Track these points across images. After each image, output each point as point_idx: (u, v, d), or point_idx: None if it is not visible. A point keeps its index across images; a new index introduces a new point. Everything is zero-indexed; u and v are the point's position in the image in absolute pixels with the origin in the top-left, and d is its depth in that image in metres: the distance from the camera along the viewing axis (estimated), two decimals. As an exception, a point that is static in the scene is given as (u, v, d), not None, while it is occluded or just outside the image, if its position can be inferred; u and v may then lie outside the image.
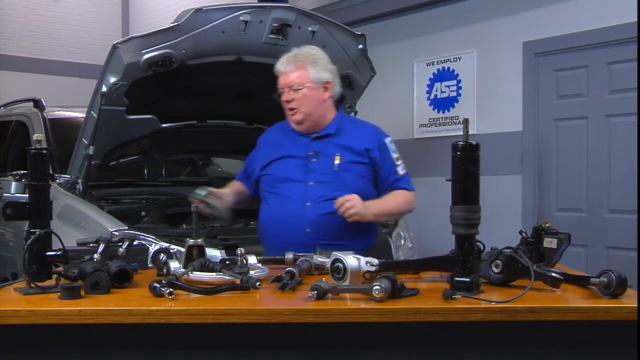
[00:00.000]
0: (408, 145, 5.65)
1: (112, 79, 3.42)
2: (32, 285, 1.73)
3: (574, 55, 4.57)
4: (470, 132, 1.72)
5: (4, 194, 4.44)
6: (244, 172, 2.81)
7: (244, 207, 2.90)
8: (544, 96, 4.78)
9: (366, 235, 2.59)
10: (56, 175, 3.85)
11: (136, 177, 4.59)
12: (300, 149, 2.57)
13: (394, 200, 2.60)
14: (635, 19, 3.86)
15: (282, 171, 2.56)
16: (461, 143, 1.71)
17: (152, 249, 2.21)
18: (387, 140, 2.67)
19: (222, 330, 1.56)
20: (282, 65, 2.57)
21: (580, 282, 1.77)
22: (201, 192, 2.55)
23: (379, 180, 2.61)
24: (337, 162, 2.53)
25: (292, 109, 2.55)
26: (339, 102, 4.33)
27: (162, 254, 2.04)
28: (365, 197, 2.48)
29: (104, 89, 3.44)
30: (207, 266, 1.87)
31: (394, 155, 2.64)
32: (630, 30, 4.06)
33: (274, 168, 2.58)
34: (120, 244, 2.09)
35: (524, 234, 2.02)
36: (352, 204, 2.38)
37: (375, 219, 2.55)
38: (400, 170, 2.64)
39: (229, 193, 2.67)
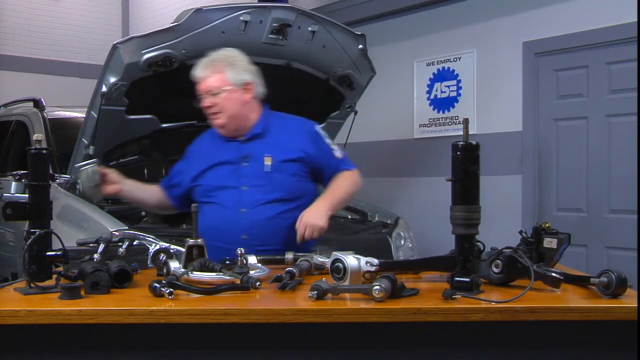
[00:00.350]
0: (408, 145, 5.66)
1: (112, 79, 3.42)
2: (32, 285, 1.73)
3: (574, 55, 4.57)
4: (470, 132, 1.72)
5: (4, 194, 4.44)
6: (167, 181, 2.74)
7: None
8: (544, 96, 4.78)
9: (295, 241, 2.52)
10: (56, 175, 3.85)
11: (136, 177, 4.58)
12: (231, 154, 2.53)
13: (341, 185, 2.57)
14: (635, 19, 3.86)
15: (214, 179, 2.51)
16: (461, 143, 1.71)
17: (152, 249, 2.21)
18: (317, 128, 2.65)
19: (222, 330, 1.56)
20: (199, 71, 2.52)
21: (580, 282, 1.77)
22: (89, 168, 2.53)
23: (320, 170, 2.58)
24: (268, 163, 2.49)
25: (213, 114, 2.51)
26: (339, 102, 4.37)
27: (162, 254, 2.04)
28: (301, 195, 2.48)
29: (104, 89, 3.44)
30: (207, 266, 1.87)
31: (328, 141, 2.63)
32: (630, 30, 4.06)
33: (206, 177, 2.53)
34: (120, 244, 2.09)
35: (524, 234, 2.02)
36: (311, 228, 2.38)
37: (334, 213, 2.54)
38: (338, 154, 2.63)
39: (130, 183, 2.62)
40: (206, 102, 2.50)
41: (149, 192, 2.72)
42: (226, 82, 2.49)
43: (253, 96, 2.55)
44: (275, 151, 2.51)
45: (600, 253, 4.45)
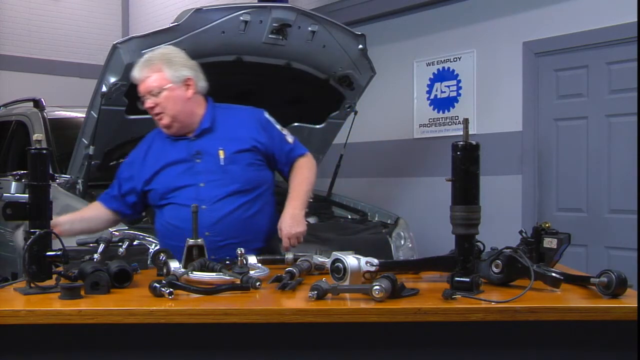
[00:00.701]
0: (408, 145, 5.66)
1: (112, 79, 3.43)
2: (32, 285, 1.73)
3: (574, 55, 4.57)
4: (470, 132, 1.72)
5: (4, 194, 4.44)
6: (115, 191, 2.58)
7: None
8: (544, 96, 4.78)
9: (264, 225, 2.53)
10: (56, 175, 3.85)
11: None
12: (182, 153, 2.48)
13: (304, 178, 2.57)
14: (635, 19, 3.86)
15: (169, 181, 2.46)
16: (461, 143, 1.71)
17: (152, 249, 2.21)
18: (266, 115, 2.62)
19: (222, 330, 1.56)
20: (137, 72, 2.46)
21: (580, 282, 1.76)
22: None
23: (273, 157, 2.56)
24: (221, 156, 2.45)
25: (157, 115, 2.45)
26: (339, 102, 4.37)
27: (162, 254, 2.04)
28: (258, 184, 2.47)
29: (104, 89, 3.45)
30: (207, 266, 1.87)
31: (278, 127, 2.60)
32: (630, 30, 4.06)
33: (160, 180, 2.48)
34: (120, 244, 2.09)
35: (524, 234, 2.02)
36: (294, 238, 2.40)
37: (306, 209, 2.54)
38: (289, 139, 2.61)
39: (65, 219, 2.43)
40: (148, 103, 2.44)
41: (92, 218, 2.55)
42: (166, 80, 2.43)
43: (195, 91, 2.49)
44: (227, 143, 2.47)
45: (600, 253, 4.45)
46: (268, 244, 2.52)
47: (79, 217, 2.56)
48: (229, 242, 2.35)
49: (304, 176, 2.57)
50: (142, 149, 2.60)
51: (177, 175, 2.46)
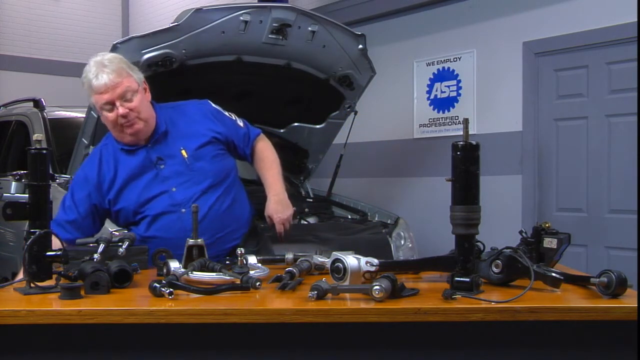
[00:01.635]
0: (408, 145, 5.66)
1: (112, 79, 3.41)
2: (32, 285, 1.73)
3: (574, 55, 4.57)
4: (470, 132, 1.72)
5: (4, 194, 4.44)
6: (73, 216, 2.39)
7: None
8: (544, 96, 4.78)
9: (242, 211, 2.53)
10: (56, 175, 3.86)
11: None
12: (142, 162, 2.39)
13: (270, 160, 2.58)
14: (635, 19, 3.86)
15: (138, 194, 2.37)
16: (461, 143, 1.70)
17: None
18: (212, 105, 2.58)
19: (222, 330, 1.56)
20: (104, 78, 2.29)
21: (580, 282, 1.76)
22: None
23: (233, 144, 2.54)
24: (185, 156, 2.40)
25: (130, 121, 2.31)
26: (339, 102, 4.37)
27: (162, 254, 2.04)
28: (227, 174, 2.45)
29: (104, 89, 3.43)
30: (207, 266, 1.87)
31: (226, 114, 2.58)
32: (630, 30, 4.06)
33: (127, 196, 2.38)
34: (120, 244, 2.09)
35: (524, 234, 2.02)
36: (287, 222, 2.42)
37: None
38: (240, 122, 2.59)
39: None
40: (121, 110, 2.29)
41: None
42: (135, 83, 2.34)
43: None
44: (187, 142, 2.42)
45: (600, 253, 4.45)
46: (251, 227, 2.54)
47: None
48: (216, 238, 2.35)
49: (270, 160, 2.57)
50: (93, 166, 2.44)
51: (145, 186, 2.38)
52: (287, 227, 2.43)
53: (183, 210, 2.35)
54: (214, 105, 2.59)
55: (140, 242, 2.32)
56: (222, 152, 2.50)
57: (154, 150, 2.41)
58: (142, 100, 2.35)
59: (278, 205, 2.43)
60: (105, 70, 2.31)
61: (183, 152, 2.40)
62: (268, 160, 2.57)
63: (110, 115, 2.33)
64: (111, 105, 2.32)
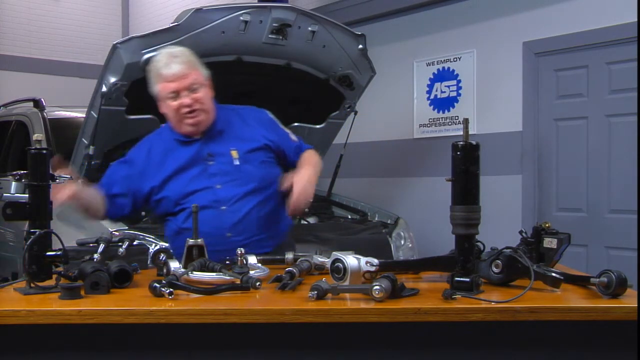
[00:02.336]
0: (408, 145, 5.66)
1: (112, 79, 3.43)
2: (32, 285, 1.73)
3: (574, 55, 4.58)
4: (470, 132, 1.72)
5: (4, 194, 4.44)
6: (105, 189, 2.44)
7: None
8: (544, 96, 4.79)
9: (281, 220, 2.53)
10: (56, 175, 3.85)
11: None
12: (193, 157, 2.43)
13: (312, 158, 2.54)
14: (635, 19, 3.86)
15: (182, 186, 2.40)
16: (461, 143, 1.70)
17: (152, 249, 2.21)
18: (270, 115, 2.62)
19: (222, 330, 1.56)
20: (174, 68, 2.35)
21: (580, 282, 1.76)
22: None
23: (283, 154, 2.55)
24: (235, 156, 2.43)
25: (192, 112, 2.37)
26: (339, 102, 4.37)
27: (162, 254, 2.04)
28: (272, 181, 2.45)
29: (104, 89, 3.44)
30: (207, 266, 1.87)
31: (281, 126, 2.60)
32: (630, 30, 4.06)
33: (172, 186, 2.41)
34: (120, 244, 2.09)
35: (524, 234, 2.02)
36: (306, 196, 2.32)
37: (316, 183, 2.45)
38: (293, 137, 2.61)
39: (81, 188, 2.32)
40: (186, 99, 2.36)
41: (98, 200, 2.41)
42: (202, 77, 2.41)
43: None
44: (239, 143, 2.45)
45: (600, 253, 4.45)
46: (286, 240, 2.54)
47: (91, 190, 2.41)
48: (251, 240, 2.36)
49: (312, 160, 2.53)
50: (142, 152, 2.52)
51: (191, 179, 2.42)
52: (303, 201, 2.33)
53: (223, 207, 2.38)
54: (271, 115, 2.64)
55: (177, 233, 2.39)
56: (271, 160, 2.52)
57: (207, 146, 2.45)
58: (206, 94, 2.41)
59: (306, 182, 2.35)
60: (176, 60, 2.38)
61: (234, 152, 2.44)
62: (310, 159, 2.53)
63: (174, 104, 2.38)
64: (176, 94, 2.37)
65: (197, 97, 2.37)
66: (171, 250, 2.24)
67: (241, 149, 2.45)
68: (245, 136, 2.48)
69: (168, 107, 2.41)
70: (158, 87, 2.41)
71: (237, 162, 2.43)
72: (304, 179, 2.36)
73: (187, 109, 2.37)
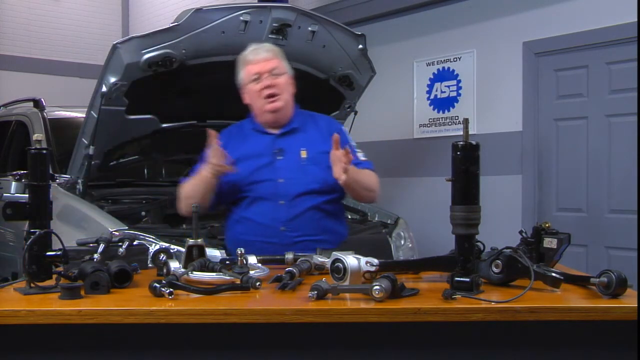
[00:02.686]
0: (408, 145, 5.66)
1: (112, 79, 3.42)
2: (32, 285, 1.73)
3: (574, 55, 4.58)
4: (470, 132, 1.72)
5: (4, 194, 4.44)
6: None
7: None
8: (544, 96, 4.79)
9: (338, 227, 2.55)
10: (56, 175, 3.85)
11: (136, 177, 4.59)
12: (264, 148, 2.51)
13: (366, 174, 2.54)
14: (635, 19, 3.86)
15: (248, 173, 2.45)
16: (461, 143, 1.71)
17: (152, 249, 2.21)
18: (341, 125, 2.72)
19: (222, 330, 1.56)
20: (258, 53, 2.50)
21: (580, 282, 1.76)
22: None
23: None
24: (304, 156, 2.49)
25: (272, 95, 2.47)
26: (339, 102, 4.36)
27: (162, 254, 2.04)
28: (334, 188, 2.46)
29: (104, 89, 3.44)
30: (207, 266, 1.87)
31: (353, 143, 2.62)
32: (630, 30, 4.06)
33: (239, 170, 2.44)
34: (120, 244, 2.09)
35: (524, 234, 2.02)
36: (347, 161, 2.28)
37: (347, 181, 2.37)
38: (362, 157, 2.61)
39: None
40: (267, 81, 2.46)
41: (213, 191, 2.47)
42: (285, 67, 2.53)
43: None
44: (310, 145, 2.52)
45: (600, 253, 4.45)
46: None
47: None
48: (305, 239, 2.39)
49: (366, 174, 2.53)
50: (223, 138, 2.50)
51: (257, 168, 2.47)
52: (346, 165, 2.28)
53: (281, 202, 2.42)
54: (343, 127, 2.74)
55: (237, 221, 2.49)
56: None
57: (279, 141, 2.52)
58: (287, 83, 2.51)
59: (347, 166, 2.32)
60: (263, 48, 2.54)
61: (303, 152, 2.50)
62: (364, 172, 2.52)
63: (257, 87, 2.48)
64: (258, 75, 2.47)
65: (278, 82, 2.47)
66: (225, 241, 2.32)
67: (312, 150, 2.51)
68: (317, 140, 2.54)
69: (250, 92, 2.51)
70: (243, 73, 2.53)
71: (304, 162, 2.49)
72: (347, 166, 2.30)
73: (267, 91, 2.46)
